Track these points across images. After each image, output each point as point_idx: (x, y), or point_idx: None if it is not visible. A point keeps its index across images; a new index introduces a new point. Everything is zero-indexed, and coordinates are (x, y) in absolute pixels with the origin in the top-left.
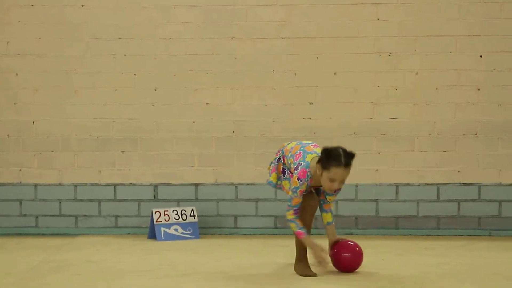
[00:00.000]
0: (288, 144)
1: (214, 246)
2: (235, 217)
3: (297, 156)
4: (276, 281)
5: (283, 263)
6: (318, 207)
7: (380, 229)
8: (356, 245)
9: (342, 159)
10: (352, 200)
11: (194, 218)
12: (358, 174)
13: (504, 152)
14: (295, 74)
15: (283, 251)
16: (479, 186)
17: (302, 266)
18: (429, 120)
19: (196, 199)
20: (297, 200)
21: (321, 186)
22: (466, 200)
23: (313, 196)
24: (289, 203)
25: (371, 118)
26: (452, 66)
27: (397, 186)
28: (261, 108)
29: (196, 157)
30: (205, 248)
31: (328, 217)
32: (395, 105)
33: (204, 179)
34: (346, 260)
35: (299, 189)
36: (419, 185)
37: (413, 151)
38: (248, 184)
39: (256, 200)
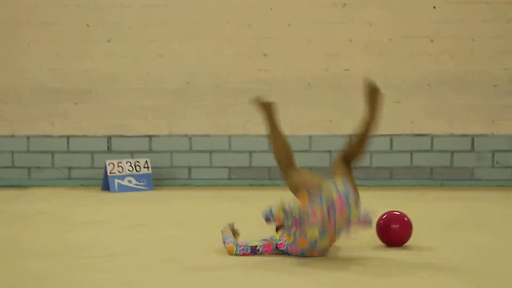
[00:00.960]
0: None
1: (168, 197)
2: (189, 168)
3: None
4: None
5: (237, 212)
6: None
7: None
8: (404, 215)
9: None
10: (306, 151)
11: (148, 169)
12: (313, 125)
13: (456, 103)
14: (250, 25)
15: (237, 201)
16: (432, 136)
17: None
18: (382, 72)
19: (150, 151)
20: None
21: None
22: (418, 151)
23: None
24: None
25: (326, 69)
26: (406, 17)
27: (350, 137)
28: (215, 59)
29: (150, 108)
30: (159, 199)
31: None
32: (349, 57)
33: (158, 130)
34: (395, 232)
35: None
36: (372, 136)
37: None
38: (202, 136)
39: (210, 152)
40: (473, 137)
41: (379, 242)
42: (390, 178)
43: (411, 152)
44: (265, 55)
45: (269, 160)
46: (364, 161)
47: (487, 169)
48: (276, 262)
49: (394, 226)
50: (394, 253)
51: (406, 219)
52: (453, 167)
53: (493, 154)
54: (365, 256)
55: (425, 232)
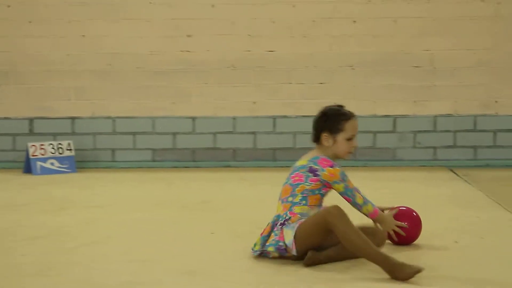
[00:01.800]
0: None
1: (91, 179)
2: (113, 150)
3: (296, 179)
4: (155, 208)
5: (161, 194)
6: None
7: (257, 161)
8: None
9: (347, 112)
10: (230, 132)
11: (71, 152)
12: (236, 106)
13: (379, 83)
14: (171, 6)
15: (161, 183)
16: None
17: (405, 268)
18: (306, 53)
19: (73, 133)
20: (351, 183)
21: None
22: None
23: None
24: (348, 193)
25: (248, 51)
26: None
27: (274, 118)
28: (137, 40)
29: (72, 90)
30: (82, 182)
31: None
32: (272, 38)
33: (81, 112)
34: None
35: (344, 174)
36: (296, 117)
37: (291, 83)
38: (125, 118)
39: (134, 134)
40: (395, 118)
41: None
42: None
43: None
44: (188, 36)
45: (193, 142)
46: (287, 142)
47: (408, 149)
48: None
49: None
50: None
51: (414, 214)
52: (376, 148)
53: (414, 135)
54: None
55: (347, 212)
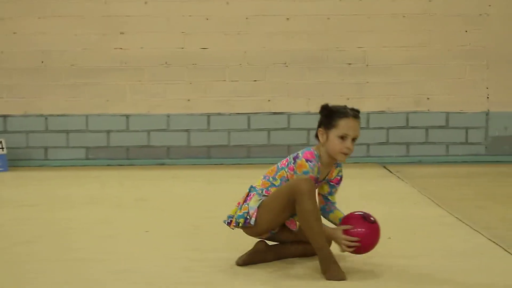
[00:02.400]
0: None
1: (24, 178)
2: (46, 149)
3: (283, 162)
4: (88, 207)
5: (94, 193)
6: (323, 214)
7: (192, 159)
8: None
9: (348, 110)
10: (164, 130)
11: (3, 150)
12: (170, 104)
13: (312, 81)
14: (105, 2)
15: (95, 182)
16: (289, 115)
17: (338, 271)
18: (239, 50)
19: (5, 131)
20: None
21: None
22: (276, 129)
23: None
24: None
25: (182, 48)
26: None
27: (208, 115)
28: (70, 38)
29: (4, 88)
30: (15, 181)
31: (339, 213)
32: (206, 35)
33: (13, 110)
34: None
35: (309, 174)
36: (230, 114)
37: (224, 80)
38: (58, 115)
39: (67, 132)
40: None
41: None
42: (248, 156)
43: (269, 131)
44: (122, 33)
45: (127, 140)
46: (221, 139)
47: None
48: None
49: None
50: None
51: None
52: (310, 145)
53: None
54: None
55: None
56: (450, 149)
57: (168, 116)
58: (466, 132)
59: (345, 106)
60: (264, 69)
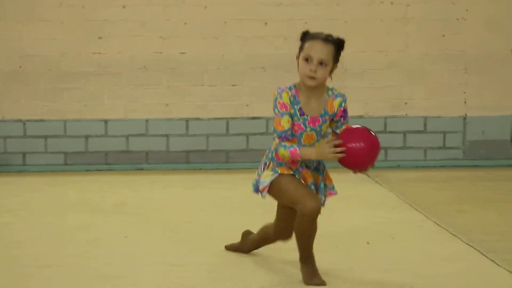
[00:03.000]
0: None
1: (1, 184)
2: (24, 154)
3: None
4: (67, 212)
5: (73, 198)
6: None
7: (170, 164)
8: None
9: (320, 34)
10: (142, 135)
11: None
12: (148, 108)
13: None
14: (83, 7)
15: (73, 187)
16: (267, 119)
17: (308, 272)
18: (218, 54)
19: None
20: (279, 120)
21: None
22: (254, 134)
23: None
24: (274, 135)
25: (160, 52)
26: (240, 0)
27: (187, 120)
28: (49, 42)
29: None
30: None
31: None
32: (184, 39)
33: None
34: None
35: (277, 100)
36: (208, 119)
37: (203, 85)
38: (36, 121)
39: (45, 137)
40: None
41: None
42: (227, 161)
43: (247, 135)
44: (100, 38)
45: (105, 145)
46: (200, 144)
47: None
48: None
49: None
50: None
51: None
52: None
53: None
54: None
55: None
56: (428, 153)
57: (146, 121)
58: (444, 137)
59: (326, 34)
60: (242, 73)
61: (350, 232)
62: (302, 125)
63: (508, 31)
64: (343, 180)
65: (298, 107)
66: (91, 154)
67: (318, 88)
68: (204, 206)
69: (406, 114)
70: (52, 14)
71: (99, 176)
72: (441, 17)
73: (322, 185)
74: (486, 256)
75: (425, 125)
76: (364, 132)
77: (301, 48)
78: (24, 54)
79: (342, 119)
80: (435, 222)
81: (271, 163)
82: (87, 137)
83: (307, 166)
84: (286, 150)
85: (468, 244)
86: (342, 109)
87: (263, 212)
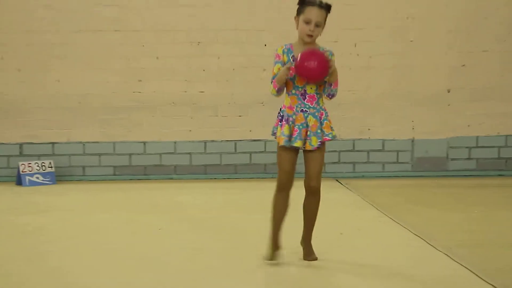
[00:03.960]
0: None
1: (67, 189)
2: (83, 167)
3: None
4: (115, 211)
5: (120, 200)
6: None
7: (193, 175)
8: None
9: (316, 1)
10: (172, 153)
11: (51, 168)
12: (176, 133)
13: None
14: (128, 58)
15: (120, 192)
16: (265, 141)
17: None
18: (228, 93)
19: (53, 154)
20: (273, 68)
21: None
22: (256, 152)
23: (286, 199)
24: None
25: (185, 92)
26: (244, 52)
27: (205, 142)
28: (101, 84)
29: (53, 122)
30: (60, 191)
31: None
32: (203, 82)
33: (59, 138)
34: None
35: (275, 53)
36: (221, 141)
37: (217, 116)
38: (93, 142)
39: (99, 154)
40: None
41: None
42: (235, 172)
43: (250, 153)
44: (140, 80)
45: (144, 160)
46: (216, 160)
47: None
48: None
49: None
50: None
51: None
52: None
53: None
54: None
55: (259, 211)
56: (386, 167)
57: (175, 142)
58: (397, 154)
59: (319, 0)
60: (247, 107)
61: (326, 225)
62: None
63: (444, 76)
64: (322, 187)
65: (292, 55)
66: (133, 167)
67: (311, 44)
68: (218, 206)
69: (369, 138)
70: (104, 63)
71: (139, 184)
72: (394, 66)
73: (319, 130)
74: (429, 243)
75: (383, 145)
76: (314, 53)
77: (299, 11)
78: (83, 93)
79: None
80: (390, 218)
81: (279, 111)
82: (130, 154)
83: (302, 111)
84: (271, 85)
85: (415, 234)
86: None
87: (263, 210)
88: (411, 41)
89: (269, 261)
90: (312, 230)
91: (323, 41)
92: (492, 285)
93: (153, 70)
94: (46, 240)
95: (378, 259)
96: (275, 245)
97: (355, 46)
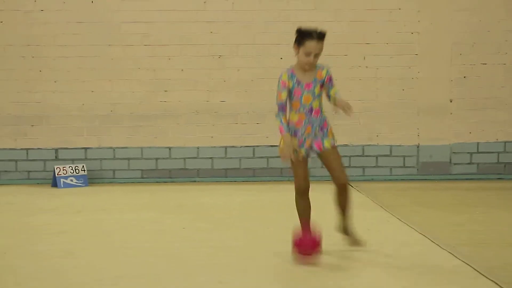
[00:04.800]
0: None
1: (98, 191)
2: (113, 171)
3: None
4: (143, 211)
5: (147, 201)
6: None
7: (215, 178)
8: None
9: (314, 33)
10: (195, 157)
11: (85, 172)
12: (199, 139)
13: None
14: (154, 70)
15: (147, 194)
16: None
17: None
18: (247, 102)
19: (86, 158)
20: (279, 94)
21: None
22: (272, 157)
23: (308, 200)
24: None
25: (207, 101)
26: (261, 65)
27: (226, 147)
28: (130, 94)
29: (84, 128)
30: (92, 193)
31: (334, 97)
32: (223, 92)
33: (91, 144)
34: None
35: (280, 80)
36: (241, 147)
37: (236, 123)
38: (122, 148)
39: (128, 159)
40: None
41: None
42: (253, 176)
43: (267, 158)
44: (165, 91)
45: (170, 164)
46: (236, 164)
47: (318, 169)
48: None
49: None
50: None
51: None
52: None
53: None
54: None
55: (276, 211)
56: (393, 171)
57: (198, 148)
58: (404, 159)
59: (315, 29)
60: (264, 115)
61: None
62: (300, 90)
63: (447, 87)
64: (333, 190)
65: (295, 79)
66: (160, 170)
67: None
68: (238, 207)
69: (377, 143)
70: (132, 75)
71: (165, 186)
72: (400, 77)
73: (325, 134)
74: (434, 242)
75: (390, 151)
76: (309, 244)
77: (299, 43)
78: (114, 102)
79: (330, 84)
80: (398, 218)
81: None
82: (157, 159)
83: (309, 123)
84: (279, 123)
85: (421, 233)
86: (329, 76)
87: (279, 210)
88: (416, 54)
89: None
90: (351, 218)
91: (335, 55)
92: (493, 281)
93: (178, 81)
94: (79, 238)
95: (386, 257)
96: None
97: (364, 59)
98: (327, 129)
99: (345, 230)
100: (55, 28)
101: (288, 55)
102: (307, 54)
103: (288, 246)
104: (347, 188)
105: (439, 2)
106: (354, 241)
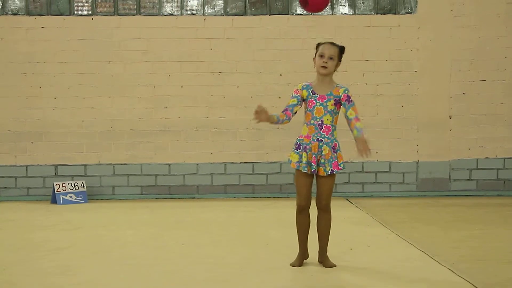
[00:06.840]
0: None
1: (98, 207)
2: (113, 187)
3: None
4: (142, 227)
5: (146, 217)
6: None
7: (214, 194)
8: None
9: (328, 41)
10: (194, 174)
11: (84, 188)
12: (198, 155)
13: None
14: (154, 87)
15: (146, 210)
16: (280, 163)
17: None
18: (246, 119)
19: (85, 175)
20: (289, 101)
21: (326, 96)
22: (271, 173)
23: (307, 217)
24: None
25: (207, 117)
26: (261, 81)
27: (225, 164)
28: (130, 111)
29: (84, 145)
30: (92, 209)
31: (355, 132)
32: (223, 109)
33: (90, 160)
34: None
35: (294, 88)
36: (240, 163)
37: (236, 140)
38: (122, 164)
39: (128, 175)
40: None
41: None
42: (253, 192)
43: (267, 174)
44: (165, 107)
45: (169, 181)
46: (235, 181)
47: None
48: None
49: None
50: None
51: None
52: (290, 184)
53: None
54: None
55: (276, 227)
56: (392, 187)
57: (197, 164)
58: (403, 176)
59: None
60: (263, 132)
61: (338, 241)
62: (314, 101)
63: (446, 104)
64: (333, 205)
65: (311, 90)
66: (159, 187)
67: (327, 78)
68: (237, 223)
69: (377, 160)
70: (132, 91)
71: (164, 203)
72: (400, 94)
73: (332, 159)
74: (433, 258)
75: (390, 167)
76: None
77: (316, 51)
78: (113, 118)
79: (347, 102)
80: (397, 235)
81: (296, 140)
82: (156, 175)
83: (317, 140)
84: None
85: (420, 250)
86: (346, 95)
87: (278, 227)
88: (416, 71)
89: (297, 267)
90: (326, 244)
91: (334, 71)
92: None
93: (178, 97)
94: (78, 255)
95: (385, 273)
96: (303, 255)
97: (364, 75)
98: (337, 151)
99: (320, 255)
100: (55, 45)
101: (287, 72)
102: (321, 55)
103: (287, 262)
104: (328, 211)
105: (438, 19)
106: (327, 264)
